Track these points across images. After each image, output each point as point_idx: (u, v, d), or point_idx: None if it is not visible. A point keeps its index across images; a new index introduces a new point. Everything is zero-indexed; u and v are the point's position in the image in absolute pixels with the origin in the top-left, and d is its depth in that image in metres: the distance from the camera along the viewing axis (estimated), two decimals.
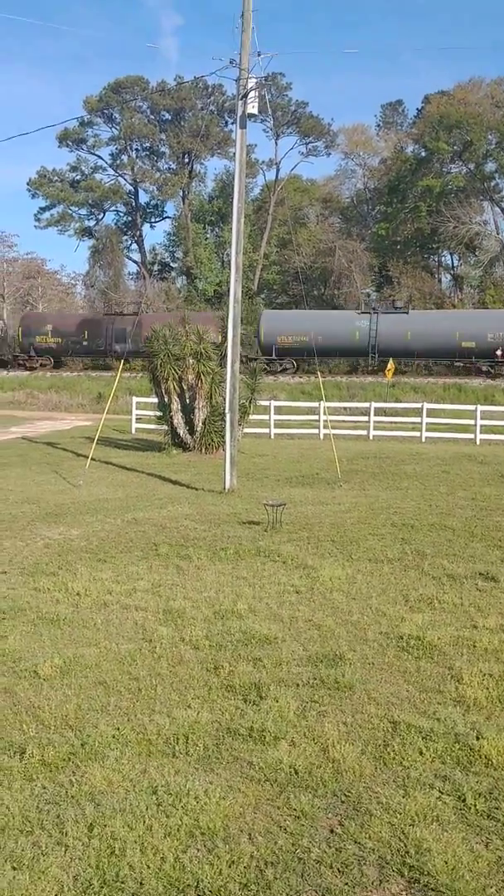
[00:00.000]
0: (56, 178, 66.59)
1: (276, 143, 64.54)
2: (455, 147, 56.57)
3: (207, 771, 4.39)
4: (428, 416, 24.99)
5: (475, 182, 57.69)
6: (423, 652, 6.20)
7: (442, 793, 4.20)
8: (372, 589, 7.98)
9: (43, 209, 67.37)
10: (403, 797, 4.15)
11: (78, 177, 66.97)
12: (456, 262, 63.34)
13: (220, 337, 20.26)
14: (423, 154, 59.33)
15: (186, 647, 6.24)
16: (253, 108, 13.63)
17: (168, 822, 3.89)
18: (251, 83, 13.53)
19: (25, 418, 31.54)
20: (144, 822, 3.89)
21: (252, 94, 13.62)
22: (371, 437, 24.92)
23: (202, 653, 6.14)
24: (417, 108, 64.45)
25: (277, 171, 65.01)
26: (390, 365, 38.80)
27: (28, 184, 66.52)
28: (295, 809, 4.04)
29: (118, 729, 4.83)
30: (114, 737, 4.73)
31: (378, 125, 67.31)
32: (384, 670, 5.85)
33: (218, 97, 63.38)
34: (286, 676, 5.70)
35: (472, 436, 24.46)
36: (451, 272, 64.05)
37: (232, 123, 62.48)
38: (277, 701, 5.22)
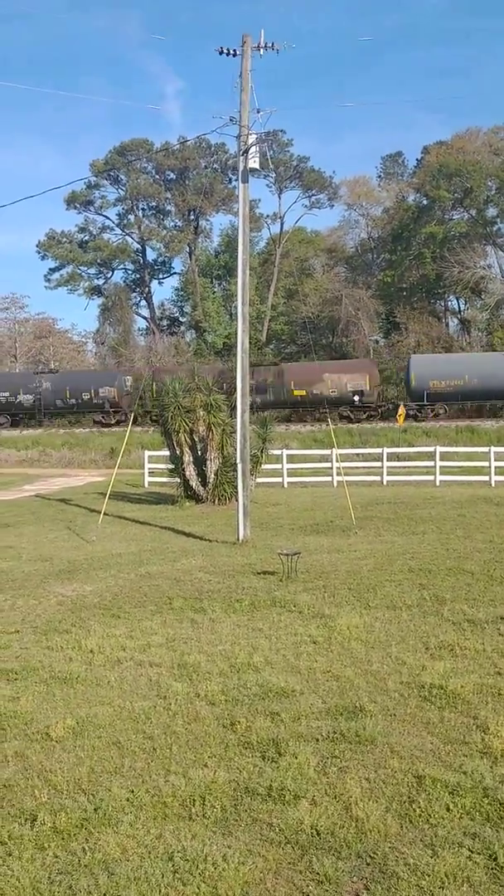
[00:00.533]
0: (65, 239, 67.95)
1: (279, 198, 65.85)
2: (456, 194, 57.43)
3: (225, 834, 4.21)
4: (441, 459, 24.84)
5: (477, 227, 58.40)
6: (447, 701, 6.01)
7: (472, 851, 4.00)
8: (391, 637, 7.79)
9: (52, 270, 68.70)
10: (431, 857, 3.95)
11: (86, 237, 68.33)
12: (462, 306, 63.80)
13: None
14: (425, 202, 60.26)
15: (202, 703, 6.07)
16: (254, 162, 13.87)
17: (185, 891, 3.71)
18: (251, 139, 13.79)
19: (39, 476, 31.60)
20: (160, 891, 3.72)
21: (253, 149, 13.87)
22: (385, 483, 24.76)
23: (218, 708, 5.97)
24: (417, 159, 65.66)
25: (282, 224, 66.20)
26: (401, 409, 38.79)
27: (37, 246, 67.98)
28: (318, 873, 3.85)
29: (132, 791, 4.66)
30: (128, 800, 4.56)
31: (379, 176, 68.55)
32: (406, 722, 5.66)
33: (221, 155, 64.76)
34: (305, 731, 5.52)
35: (486, 478, 24.25)
36: (458, 316, 64.44)
37: (235, 180, 63.74)
38: (297, 757, 5.05)
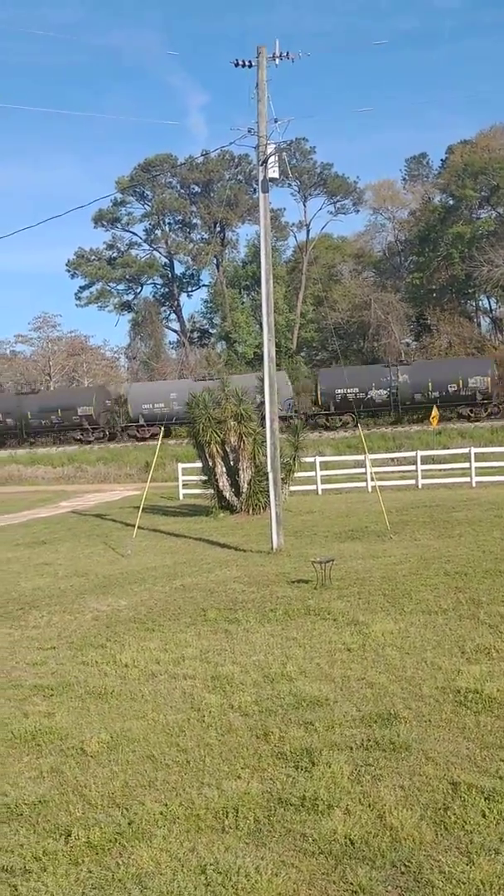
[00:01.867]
0: (93, 257, 68.69)
1: (304, 205, 65.93)
2: (482, 193, 56.97)
3: (259, 846, 4.19)
4: (477, 460, 24.57)
5: None
6: (483, 706, 5.92)
7: None
8: (426, 642, 7.71)
9: (82, 288, 69.45)
10: (467, 865, 3.89)
11: (114, 254, 68.99)
12: (494, 305, 63.19)
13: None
14: (451, 202, 59.86)
15: (235, 714, 6.06)
16: (274, 172, 13.92)
17: None
18: (270, 148, 13.84)
19: (75, 492, 31.91)
20: None
21: (272, 159, 13.92)
22: (420, 486, 24.56)
23: (251, 719, 5.96)
24: (441, 159, 65.29)
25: (308, 231, 66.22)
26: (434, 412, 38.47)
27: (67, 265, 68.79)
28: (352, 884, 3.82)
29: (166, 805, 4.67)
30: (161, 813, 4.57)
31: (404, 179, 68.30)
32: (441, 727, 5.59)
33: (245, 166, 65.10)
34: (339, 739, 5.48)
35: None
36: (490, 315, 63.83)
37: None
38: (330, 766, 5.01)
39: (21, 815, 4.69)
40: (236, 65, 13.99)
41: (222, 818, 4.49)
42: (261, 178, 14.19)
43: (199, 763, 5.24)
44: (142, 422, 45.41)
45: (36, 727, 6.02)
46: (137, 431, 45.50)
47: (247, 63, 14.06)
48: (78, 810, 4.69)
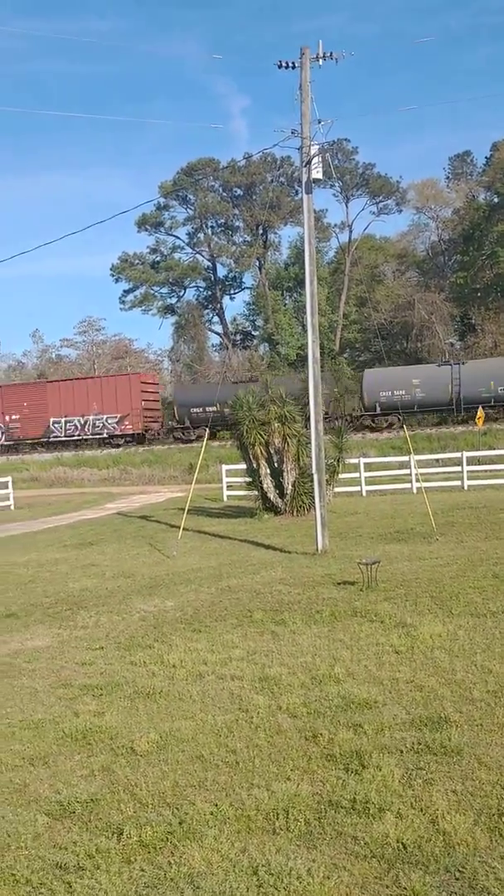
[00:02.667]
0: (137, 261, 69.33)
1: (346, 206, 65.68)
2: None
3: (310, 848, 4.17)
4: None
5: None
6: None
7: None
8: (475, 645, 7.61)
9: (126, 292, 70.17)
10: None
11: (158, 258, 69.56)
12: None
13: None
14: (496, 200, 59.11)
15: (284, 716, 6.05)
16: (317, 173, 13.89)
17: None
18: (313, 150, 13.81)
19: (120, 494, 32.21)
20: None
21: (315, 160, 13.89)
22: (466, 487, 24.27)
23: (300, 721, 5.94)
24: (486, 157, 64.58)
25: (350, 232, 65.95)
26: (480, 412, 37.96)
27: (111, 269, 69.57)
28: (405, 888, 3.78)
29: (216, 805, 4.67)
30: (212, 814, 4.57)
31: (447, 177, 67.64)
32: (494, 732, 5.51)
33: (287, 168, 65.14)
34: (389, 742, 5.43)
35: None
36: None
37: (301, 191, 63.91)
38: (380, 769, 4.97)
39: (73, 812, 4.73)
40: (280, 66, 13.99)
41: (273, 819, 4.48)
42: (304, 179, 14.17)
43: (248, 764, 5.24)
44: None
45: (86, 726, 6.08)
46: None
47: (290, 64, 14.05)
48: (129, 809, 4.72)
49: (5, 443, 49.51)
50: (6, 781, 5.25)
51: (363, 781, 4.84)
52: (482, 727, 5.61)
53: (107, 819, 4.63)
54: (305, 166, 13.89)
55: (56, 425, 48.29)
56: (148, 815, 4.62)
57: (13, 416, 49.26)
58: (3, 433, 49.59)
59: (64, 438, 47.85)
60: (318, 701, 6.31)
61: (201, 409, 44.10)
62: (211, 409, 42.57)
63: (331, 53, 14.01)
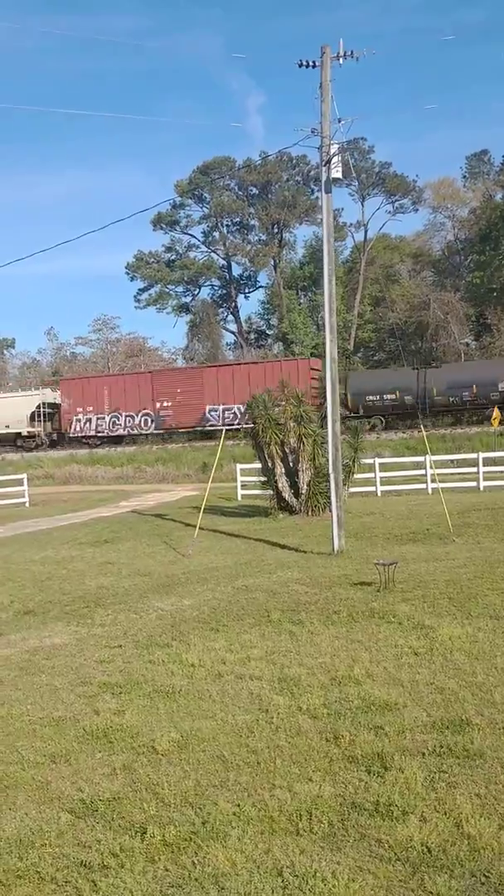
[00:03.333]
0: (152, 259, 69.45)
1: (362, 205, 65.53)
2: None
3: (334, 850, 4.16)
4: None
5: None
6: None
7: None
8: (496, 648, 7.57)
9: (141, 290, 70.33)
10: None
11: (173, 256, 69.66)
12: None
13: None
14: None
15: (304, 717, 6.04)
16: (337, 172, 13.85)
17: None
18: (334, 149, 13.78)
19: (134, 492, 32.26)
20: None
21: (335, 159, 13.85)
22: (482, 488, 24.16)
23: (321, 722, 5.93)
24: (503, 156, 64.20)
25: (366, 231, 65.78)
26: (496, 413, 37.78)
27: (126, 267, 69.74)
28: (431, 892, 3.77)
29: (239, 806, 4.67)
30: (234, 814, 4.57)
31: (464, 176, 67.34)
32: None
33: (302, 167, 65.05)
34: (410, 745, 5.41)
35: None
36: None
37: (318, 191, 63.83)
38: (403, 772, 4.95)
39: (97, 811, 4.75)
40: (300, 65, 13.96)
41: (296, 821, 4.48)
42: (324, 178, 14.13)
43: (269, 765, 5.24)
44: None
45: (107, 724, 6.09)
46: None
47: (310, 63, 14.02)
48: (152, 808, 4.73)
49: (155, 431, 46.39)
50: (28, 778, 5.27)
51: (386, 784, 4.83)
52: None
53: (130, 818, 4.64)
54: (325, 165, 13.85)
55: (213, 413, 44.78)
56: (171, 815, 4.63)
57: (165, 404, 45.79)
58: (152, 421, 46.24)
59: (221, 427, 42.80)
60: (339, 702, 6.30)
61: (377, 397, 42.27)
62: (389, 396, 41.41)
63: (352, 52, 13.97)
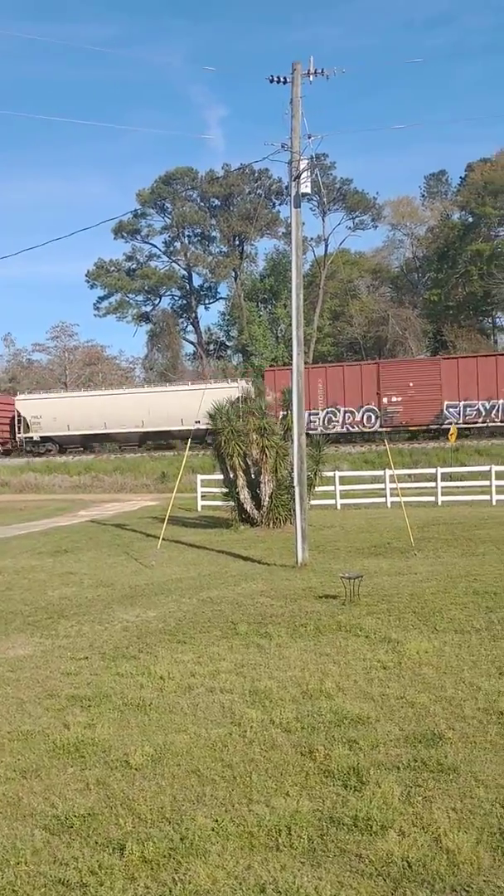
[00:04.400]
0: (113, 268, 69.13)
1: (323, 220, 66.19)
2: (502, 210, 57.03)
3: (315, 865, 4.15)
4: (497, 478, 24.47)
5: None
6: None
7: None
8: (462, 662, 7.66)
9: (101, 298, 69.97)
10: None
11: (133, 265, 69.43)
12: None
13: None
14: (470, 219, 60.00)
15: (278, 731, 6.03)
16: (306, 187, 13.98)
17: None
18: (303, 164, 13.90)
19: (93, 501, 31.96)
20: None
21: (304, 174, 13.97)
22: (440, 503, 24.47)
23: (294, 736, 5.92)
24: (461, 177, 65.55)
25: (326, 246, 66.41)
26: (452, 429, 38.36)
27: (86, 275, 69.28)
28: None
29: (217, 821, 4.64)
30: (213, 829, 4.54)
31: (423, 195, 68.61)
32: (488, 749, 5.54)
33: (265, 180, 65.50)
34: (385, 759, 5.44)
35: None
36: None
37: (279, 204, 64.41)
38: (380, 786, 4.97)
39: (72, 827, 4.66)
40: (272, 81, 14.07)
41: (275, 836, 4.46)
42: (293, 193, 14.24)
43: (245, 779, 5.21)
44: None
45: (78, 738, 6.00)
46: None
47: (282, 79, 14.14)
48: (128, 824, 4.66)
49: (379, 429, 41.07)
50: None
51: (363, 798, 4.84)
52: (476, 744, 5.64)
53: (106, 834, 4.57)
54: (295, 181, 13.96)
55: (451, 410, 40.05)
56: (148, 831, 4.57)
57: (393, 399, 41.09)
58: (378, 418, 41.49)
59: (462, 425, 39.66)
60: (311, 716, 6.30)
61: None
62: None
63: (322, 70, 14.13)
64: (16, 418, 46.86)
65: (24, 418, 46.44)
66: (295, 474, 14.52)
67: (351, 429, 42.00)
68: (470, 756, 5.44)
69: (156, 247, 69.63)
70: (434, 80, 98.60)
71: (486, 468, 25.51)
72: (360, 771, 5.22)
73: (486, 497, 24.25)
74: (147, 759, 5.57)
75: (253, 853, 4.30)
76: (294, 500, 14.58)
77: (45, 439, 46.61)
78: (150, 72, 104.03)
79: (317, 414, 41.54)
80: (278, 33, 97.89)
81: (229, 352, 70.02)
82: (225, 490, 21.33)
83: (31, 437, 46.46)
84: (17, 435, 46.91)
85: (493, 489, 24.17)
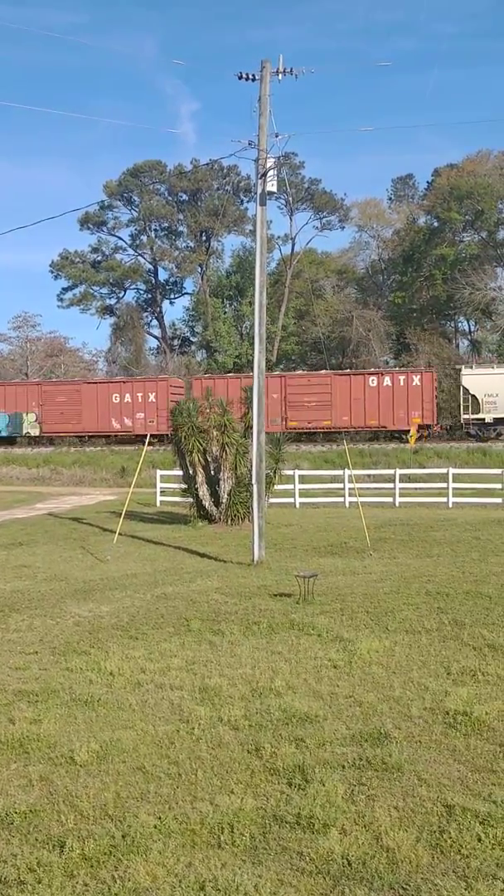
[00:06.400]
0: (78, 259, 68.45)
1: (291, 219, 66.25)
2: (467, 216, 57.69)
3: (256, 863, 4.16)
4: (453, 481, 24.75)
5: (488, 249, 58.61)
6: (472, 728, 5.95)
7: None
8: (412, 662, 7.74)
9: (65, 289, 69.18)
10: (465, 890, 3.90)
11: (99, 258, 68.83)
12: (473, 328, 63.88)
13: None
14: (436, 224, 60.52)
15: (225, 728, 6.03)
16: (272, 185, 13.99)
17: None
18: (270, 162, 13.90)
19: (50, 494, 31.64)
20: None
21: (271, 172, 13.98)
22: (397, 504, 24.68)
23: (242, 733, 5.93)
24: (428, 181, 66.07)
25: (293, 245, 66.49)
26: (413, 431, 38.73)
27: (51, 266, 68.52)
28: None
29: (160, 818, 4.62)
30: (156, 827, 4.52)
31: (390, 198, 69.00)
32: (432, 749, 5.61)
33: (233, 177, 65.32)
34: (330, 757, 5.47)
35: (499, 500, 24.16)
36: (469, 337, 64.53)
37: (247, 201, 64.35)
38: (324, 784, 5.00)
39: (12, 824, 4.61)
40: (240, 77, 14.05)
41: (217, 834, 4.46)
42: (259, 191, 14.24)
43: (191, 776, 5.20)
44: None
45: (23, 734, 5.93)
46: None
47: (250, 77, 14.12)
48: (70, 821, 4.62)
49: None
50: None
51: (307, 796, 4.86)
52: (420, 744, 5.70)
53: (47, 831, 4.53)
54: (261, 178, 13.96)
55: None
56: (90, 828, 4.54)
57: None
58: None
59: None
60: (260, 714, 6.31)
61: None
62: None
63: (291, 69, 14.15)
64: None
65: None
66: (253, 472, 14.53)
67: None
68: (414, 755, 5.50)
69: (122, 239, 69.19)
70: (398, 87, 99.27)
71: (444, 470, 25.78)
72: (305, 769, 5.25)
73: (443, 499, 24.51)
74: (92, 755, 5.53)
75: (194, 851, 4.30)
76: (252, 497, 14.59)
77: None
78: (120, 62, 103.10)
79: None
80: (246, 31, 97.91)
81: (193, 347, 69.81)
82: (184, 486, 21.27)
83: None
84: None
85: (451, 492, 24.44)
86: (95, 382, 48.49)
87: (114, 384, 46.50)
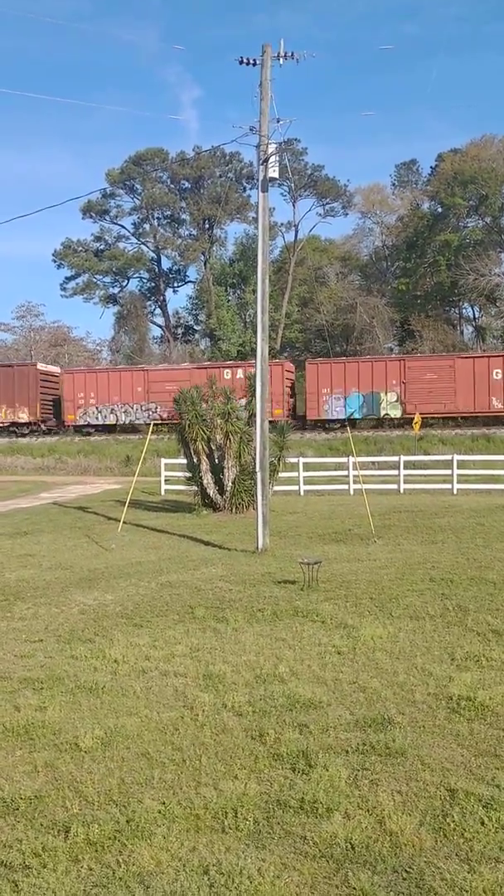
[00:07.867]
0: (80, 248, 68.27)
1: (293, 206, 65.92)
2: (471, 202, 57.31)
3: (259, 847, 4.18)
4: (458, 467, 24.72)
5: (493, 235, 58.27)
6: (475, 713, 5.96)
7: None
8: (416, 647, 7.75)
9: (68, 279, 68.98)
10: (468, 873, 3.91)
11: (102, 246, 68.64)
12: (477, 314, 63.64)
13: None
14: (440, 210, 60.18)
15: (229, 714, 6.05)
16: (274, 171, 13.90)
17: None
18: (271, 148, 13.82)
19: (55, 483, 31.69)
20: None
21: (272, 158, 13.90)
22: (402, 491, 24.67)
23: (246, 719, 5.95)
24: (431, 167, 65.69)
25: (296, 232, 66.23)
26: (417, 418, 38.65)
27: (53, 255, 68.31)
28: (354, 888, 3.82)
29: (164, 804, 4.64)
30: (160, 812, 4.55)
31: (393, 184, 68.60)
32: (436, 734, 5.62)
33: (236, 164, 65.05)
34: (334, 743, 5.49)
35: None
36: (473, 323, 64.28)
37: (250, 189, 64.06)
38: (327, 769, 5.01)
39: (17, 809, 4.64)
40: (241, 62, 13.95)
41: (221, 818, 4.48)
42: (261, 177, 14.16)
43: (195, 762, 5.23)
44: None
45: (28, 721, 5.96)
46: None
47: (251, 61, 14.02)
48: (75, 806, 4.65)
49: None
50: None
51: (311, 781, 4.88)
52: (424, 729, 5.72)
53: (52, 816, 4.55)
54: (263, 164, 13.88)
55: None
56: (95, 813, 4.56)
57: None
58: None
59: None
60: (263, 700, 6.33)
61: None
62: None
63: (292, 53, 14.04)
64: None
65: None
66: (257, 460, 14.52)
67: None
68: (418, 740, 5.52)
69: (125, 228, 68.97)
70: (401, 75, 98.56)
71: (448, 457, 25.75)
72: (308, 755, 5.26)
73: (448, 486, 24.48)
74: (97, 741, 5.56)
75: (198, 835, 4.32)
76: (256, 485, 14.60)
77: None
78: (122, 50, 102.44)
79: None
80: (249, 17, 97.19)
81: (197, 336, 69.73)
82: (188, 475, 21.27)
83: None
84: None
85: (455, 478, 24.41)
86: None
87: None
